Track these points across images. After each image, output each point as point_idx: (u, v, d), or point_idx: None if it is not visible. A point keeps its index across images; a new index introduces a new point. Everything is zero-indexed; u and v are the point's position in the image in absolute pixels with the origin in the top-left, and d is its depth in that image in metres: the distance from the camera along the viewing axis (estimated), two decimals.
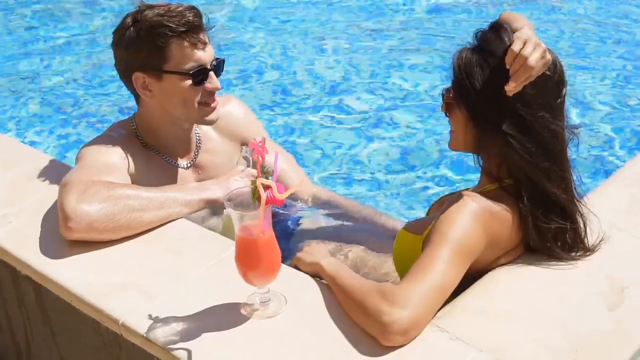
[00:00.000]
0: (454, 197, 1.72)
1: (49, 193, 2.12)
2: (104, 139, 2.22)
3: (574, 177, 1.79)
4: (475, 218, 1.66)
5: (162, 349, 1.59)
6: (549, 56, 1.66)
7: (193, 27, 2.06)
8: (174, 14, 2.06)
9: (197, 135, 2.33)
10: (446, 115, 1.83)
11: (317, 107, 4.34)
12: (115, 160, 2.11)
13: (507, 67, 1.63)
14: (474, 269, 1.73)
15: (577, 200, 1.79)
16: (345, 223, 2.51)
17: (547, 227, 1.74)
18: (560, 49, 4.78)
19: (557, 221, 1.75)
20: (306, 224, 2.58)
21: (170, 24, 2.04)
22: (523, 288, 1.73)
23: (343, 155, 3.84)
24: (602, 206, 2.03)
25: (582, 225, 1.80)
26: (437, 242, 1.62)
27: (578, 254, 1.80)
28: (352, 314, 1.60)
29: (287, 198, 2.51)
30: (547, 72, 1.67)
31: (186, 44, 2.06)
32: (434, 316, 1.58)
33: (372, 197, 3.46)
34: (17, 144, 2.59)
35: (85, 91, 4.58)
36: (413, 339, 1.52)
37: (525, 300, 1.70)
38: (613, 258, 1.83)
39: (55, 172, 2.23)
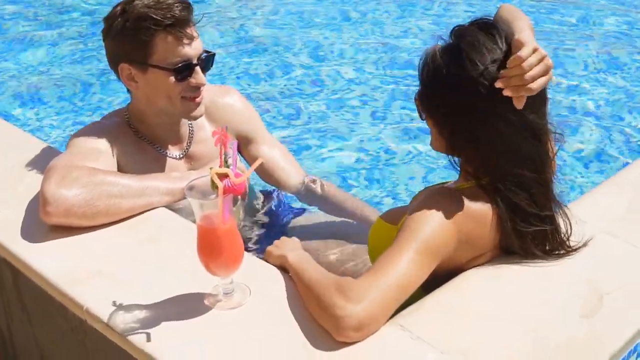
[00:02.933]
0: (429, 192, 1.66)
1: (39, 179, 2.12)
2: (95, 126, 2.23)
3: (555, 178, 1.72)
4: (447, 216, 1.60)
5: (120, 335, 1.57)
6: (551, 72, 1.54)
7: (179, 21, 2.03)
8: (163, 7, 2.03)
9: (190, 125, 2.32)
10: (422, 118, 1.76)
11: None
12: (103, 147, 2.11)
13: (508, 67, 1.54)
14: (449, 268, 1.68)
15: (556, 202, 1.72)
16: (335, 217, 2.48)
17: (526, 230, 1.68)
18: None
19: (536, 224, 1.68)
20: (298, 218, 2.57)
21: (156, 17, 2.01)
22: (496, 289, 1.67)
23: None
24: (596, 210, 1.97)
25: (563, 226, 1.73)
26: (404, 239, 1.56)
27: (560, 253, 1.73)
28: (309, 307, 1.57)
29: (282, 191, 2.56)
30: None
31: (171, 38, 2.03)
32: (393, 314, 1.53)
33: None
34: (13, 130, 2.61)
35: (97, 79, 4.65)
36: (368, 336, 1.48)
37: (497, 302, 1.63)
38: (599, 263, 1.76)
39: (48, 160, 2.23)
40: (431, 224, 1.58)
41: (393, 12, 5.74)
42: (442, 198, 1.63)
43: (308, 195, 2.52)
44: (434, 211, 1.60)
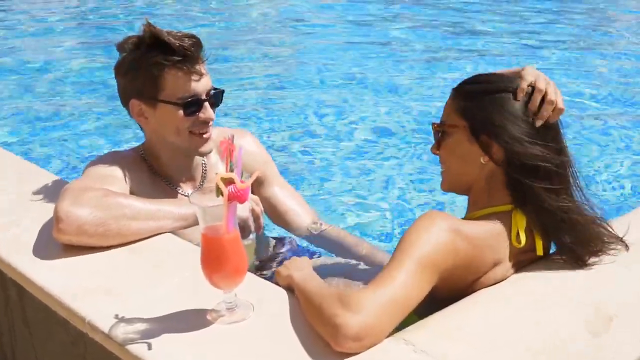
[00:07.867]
0: (425, 213, 1.66)
1: (51, 205, 2.14)
2: (112, 156, 2.26)
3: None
4: (443, 235, 1.59)
5: (119, 345, 1.56)
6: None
7: (189, 57, 2.08)
8: (174, 43, 2.05)
9: (204, 164, 2.34)
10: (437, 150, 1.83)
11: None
12: (118, 175, 2.14)
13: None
14: (450, 293, 1.66)
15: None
16: (346, 260, 2.46)
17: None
18: None
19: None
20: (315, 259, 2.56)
21: (167, 53, 2.05)
22: (503, 310, 1.64)
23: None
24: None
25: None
26: (401, 254, 1.55)
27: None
28: (310, 318, 1.55)
29: (292, 233, 2.55)
30: None
31: (180, 74, 2.08)
32: (395, 328, 1.50)
33: None
34: (24, 163, 2.66)
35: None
36: (368, 348, 1.44)
37: (503, 323, 1.60)
38: (606, 284, 1.73)
39: (60, 189, 2.25)
40: (428, 241, 1.57)
41: None
42: (439, 219, 1.63)
43: (318, 237, 2.52)
44: (430, 229, 1.60)
